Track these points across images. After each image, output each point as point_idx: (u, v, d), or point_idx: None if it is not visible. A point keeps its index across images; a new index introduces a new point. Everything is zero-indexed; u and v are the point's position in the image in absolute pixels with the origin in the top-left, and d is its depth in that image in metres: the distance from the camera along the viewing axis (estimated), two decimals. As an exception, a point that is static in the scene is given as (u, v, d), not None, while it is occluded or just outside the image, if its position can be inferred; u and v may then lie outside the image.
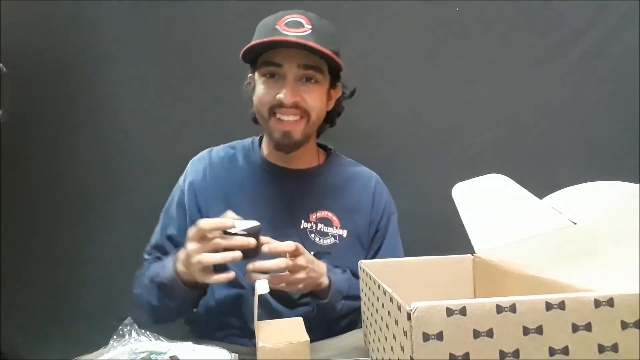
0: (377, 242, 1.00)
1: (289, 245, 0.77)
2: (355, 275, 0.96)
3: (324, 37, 0.85)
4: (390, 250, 1.00)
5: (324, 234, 0.95)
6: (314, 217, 0.95)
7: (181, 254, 0.79)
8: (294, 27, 0.84)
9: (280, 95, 0.86)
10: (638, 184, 0.63)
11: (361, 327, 0.93)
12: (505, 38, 1.38)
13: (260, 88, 0.90)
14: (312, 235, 0.94)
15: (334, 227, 0.95)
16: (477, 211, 0.77)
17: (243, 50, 0.86)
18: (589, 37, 1.34)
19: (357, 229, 0.97)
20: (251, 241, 0.73)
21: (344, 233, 0.96)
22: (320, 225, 0.95)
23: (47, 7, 1.47)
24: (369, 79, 1.42)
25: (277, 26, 0.85)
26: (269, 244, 0.77)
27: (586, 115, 1.34)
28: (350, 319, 0.92)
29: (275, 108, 0.88)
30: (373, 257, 0.99)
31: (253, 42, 0.85)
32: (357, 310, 0.85)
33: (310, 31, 0.84)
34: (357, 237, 0.97)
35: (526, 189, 0.75)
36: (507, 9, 1.37)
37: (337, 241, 0.95)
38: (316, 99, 0.89)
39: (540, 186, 0.73)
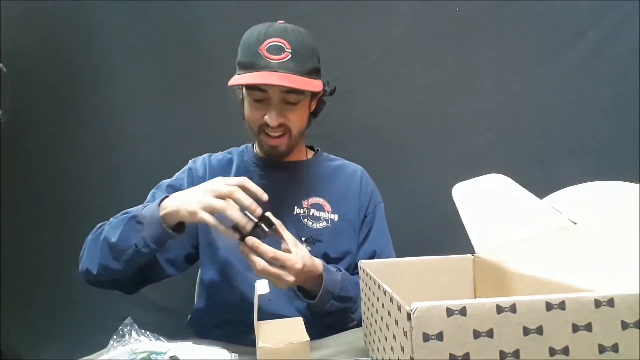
0: (366, 227, 1.05)
1: (292, 261, 0.79)
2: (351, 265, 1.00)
3: (303, 59, 0.92)
4: (379, 235, 1.05)
5: (317, 218, 1.00)
6: (306, 203, 1.01)
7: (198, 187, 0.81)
8: (275, 53, 0.91)
9: (267, 118, 0.94)
10: (638, 184, 0.63)
11: (354, 326, 0.94)
12: (505, 38, 1.38)
13: (248, 107, 0.98)
14: (305, 219, 0.99)
15: (326, 212, 1.01)
16: (477, 211, 0.77)
17: (230, 84, 0.93)
18: (589, 37, 1.34)
19: (348, 214, 1.02)
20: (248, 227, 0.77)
21: (335, 217, 1.01)
22: (312, 210, 1.00)
23: (47, 7, 1.47)
24: (369, 79, 1.42)
25: (259, 50, 0.91)
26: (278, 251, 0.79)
27: (586, 115, 1.34)
28: (336, 318, 0.93)
29: (263, 127, 0.96)
30: (363, 242, 1.04)
31: (239, 83, 0.93)
32: (346, 310, 0.92)
33: (290, 56, 0.91)
34: (348, 221, 1.02)
35: (526, 189, 0.75)
36: (507, 9, 1.37)
37: (329, 225, 1.00)
38: (298, 117, 0.97)
39: (540, 186, 0.73)
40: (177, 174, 1.06)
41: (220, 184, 0.79)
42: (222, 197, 0.78)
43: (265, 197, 0.80)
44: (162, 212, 0.81)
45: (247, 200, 0.78)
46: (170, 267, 0.98)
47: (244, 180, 0.80)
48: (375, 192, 1.09)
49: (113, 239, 0.84)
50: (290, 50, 0.91)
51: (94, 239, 0.90)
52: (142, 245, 0.82)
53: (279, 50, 0.91)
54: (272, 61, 0.90)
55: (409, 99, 1.41)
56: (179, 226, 0.84)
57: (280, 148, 0.98)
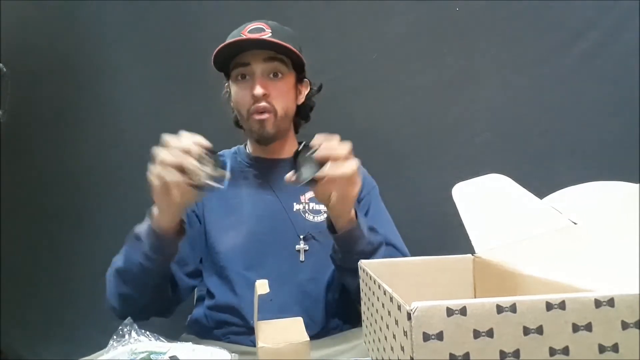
0: (364, 208, 1.04)
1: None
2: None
3: (284, 38, 0.95)
4: (380, 219, 1.03)
5: (317, 212, 1.00)
6: (303, 198, 1.01)
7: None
8: (255, 32, 0.95)
9: (252, 92, 0.95)
10: (638, 184, 0.63)
11: (354, 326, 0.94)
12: (505, 38, 1.38)
13: (235, 91, 1.00)
14: (306, 214, 1.00)
15: None
16: (477, 211, 0.77)
17: (213, 54, 0.96)
18: (589, 37, 1.34)
19: None
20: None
21: None
22: (311, 204, 1.01)
23: (48, 7, 1.47)
24: (369, 79, 1.42)
25: (241, 34, 0.96)
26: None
27: (586, 115, 1.34)
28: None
29: (250, 109, 0.97)
30: None
31: (220, 46, 0.95)
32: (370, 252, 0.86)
33: (270, 34, 0.95)
34: None
35: (526, 189, 0.75)
36: (507, 9, 1.37)
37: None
38: (283, 94, 0.98)
39: (541, 186, 0.73)
40: None
41: (163, 158, 0.78)
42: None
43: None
44: (153, 219, 0.81)
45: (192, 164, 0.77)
46: (191, 279, 0.99)
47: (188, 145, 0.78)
48: (368, 179, 1.09)
49: (120, 264, 0.84)
50: (270, 30, 0.95)
51: (109, 273, 0.88)
52: (144, 259, 0.80)
53: (259, 30, 0.95)
54: (252, 37, 0.94)
55: (409, 98, 1.41)
56: (179, 232, 0.84)
57: (267, 125, 0.97)
